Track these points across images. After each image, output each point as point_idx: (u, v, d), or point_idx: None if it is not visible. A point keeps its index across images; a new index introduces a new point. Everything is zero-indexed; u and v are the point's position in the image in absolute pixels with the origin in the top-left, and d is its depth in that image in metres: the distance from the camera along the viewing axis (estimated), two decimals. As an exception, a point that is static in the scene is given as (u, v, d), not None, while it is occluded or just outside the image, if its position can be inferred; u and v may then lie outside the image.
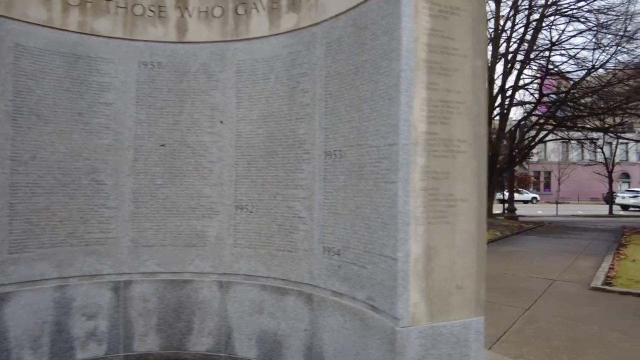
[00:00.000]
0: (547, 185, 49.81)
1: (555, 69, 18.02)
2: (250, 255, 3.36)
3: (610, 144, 26.80)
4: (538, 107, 20.05)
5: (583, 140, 21.24)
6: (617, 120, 18.13)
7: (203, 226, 3.48)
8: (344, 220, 2.79)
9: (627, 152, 45.39)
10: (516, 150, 19.56)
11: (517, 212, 23.21)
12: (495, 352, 3.76)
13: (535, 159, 49.23)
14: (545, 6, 17.50)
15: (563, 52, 17.70)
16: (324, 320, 2.94)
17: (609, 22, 16.54)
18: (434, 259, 2.37)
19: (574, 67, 17.90)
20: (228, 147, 3.44)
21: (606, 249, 10.43)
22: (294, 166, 3.17)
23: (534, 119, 19.38)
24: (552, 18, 17.52)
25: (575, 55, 17.27)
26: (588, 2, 16.36)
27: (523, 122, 19.36)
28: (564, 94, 18.36)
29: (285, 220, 3.21)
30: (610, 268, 7.95)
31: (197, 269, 3.48)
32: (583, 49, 17.32)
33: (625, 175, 47.54)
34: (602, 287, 6.28)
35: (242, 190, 3.40)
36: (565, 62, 17.96)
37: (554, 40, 18.17)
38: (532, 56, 18.26)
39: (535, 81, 18.86)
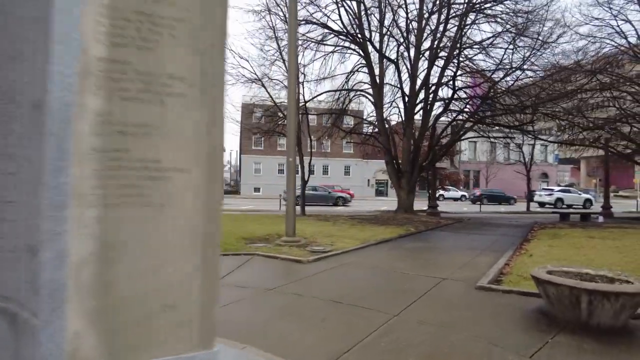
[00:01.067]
0: (477, 184, 51.94)
1: (467, 65, 18.25)
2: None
3: (532, 145, 27.95)
4: (468, 104, 20.33)
5: (502, 139, 21.78)
6: (529, 118, 18.66)
7: None
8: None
9: (545, 153, 48.38)
10: (437, 147, 19.62)
11: (444, 209, 23.58)
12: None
13: (465, 158, 51.27)
14: (468, 4, 17.62)
15: (477, 47, 17.91)
16: (26, 349, 1.98)
17: (524, 24, 16.89)
18: (119, 262, 1.48)
19: (489, 65, 18.22)
20: None
21: (511, 244, 10.31)
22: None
23: (453, 115, 19.55)
24: (472, 16, 17.65)
25: (484, 47, 17.52)
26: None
27: (443, 118, 19.50)
28: (477, 89, 18.67)
29: None
30: (506, 264, 7.64)
31: None
32: (490, 44, 17.61)
33: (544, 175, 50.75)
34: (488, 286, 5.82)
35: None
36: (475, 55, 18.27)
37: (476, 40, 18.43)
38: (454, 53, 18.34)
39: (458, 78, 19.00)
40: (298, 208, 18.24)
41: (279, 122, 19.47)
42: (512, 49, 17.64)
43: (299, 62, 17.31)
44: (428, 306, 4.91)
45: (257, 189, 46.80)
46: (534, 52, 17.50)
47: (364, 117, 23.27)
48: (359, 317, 4.42)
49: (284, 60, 16.62)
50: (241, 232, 10.71)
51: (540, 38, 17.26)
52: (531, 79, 18.52)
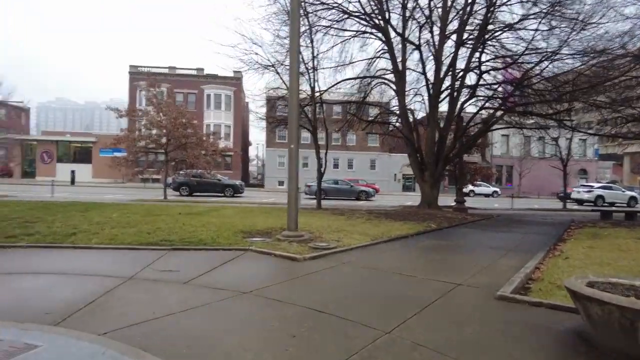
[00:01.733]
0: (510, 180, 49.55)
1: (496, 50, 16.74)
2: None
3: (569, 138, 25.88)
4: (497, 91, 18.81)
5: (537, 130, 20.06)
6: (566, 106, 16.99)
7: None
8: None
9: (584, 147, 45.49)
10: (465, 137, 18.23)
11: (473, 205, 22.17)
12: None
13: (497, 152, 48.92)
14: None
15: (508, 30, 16.34)
16: None
17: (561, 1, 15.24)
18: None
19: (521, 49, 16.61)
20: None
21: (543, 245, 9.10)
22: None
23: (482, 102, 18.08)
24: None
25: (515, 28, 15.89)
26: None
27: (472, 108, 18.09)
28: (507, 75, 17.15)
29: None
30: (536, 268, 6.52)
31: None
32: (521, 24, 15.95)
33: (583, 171, 47.81)
34: (511, 295, 4.76)
35: None
36: (504, 35, 16.69)
37: (507, 22, 16.90)
38: (484, 37, 16.89)
39: (487, 63, 17.52)
40: (314, 201, 17.46)
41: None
42: (548, 30, 16.01)
43: (314, 47, 16.41)
44: (431, 321, 3.93)
45: (281, 183, 46.25)
46: (572, 33, 15.82)
47: (387, 107, 22.07)
48: (339, 334, 3.50)
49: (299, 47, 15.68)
50: (242, 225, 9.96)
51: (580, 18, 15.57)
52: (569, 64, 16.83)
